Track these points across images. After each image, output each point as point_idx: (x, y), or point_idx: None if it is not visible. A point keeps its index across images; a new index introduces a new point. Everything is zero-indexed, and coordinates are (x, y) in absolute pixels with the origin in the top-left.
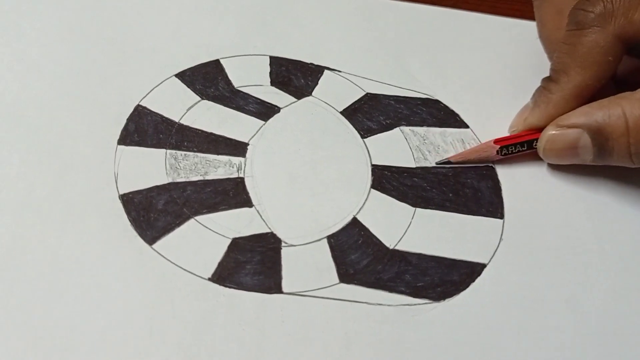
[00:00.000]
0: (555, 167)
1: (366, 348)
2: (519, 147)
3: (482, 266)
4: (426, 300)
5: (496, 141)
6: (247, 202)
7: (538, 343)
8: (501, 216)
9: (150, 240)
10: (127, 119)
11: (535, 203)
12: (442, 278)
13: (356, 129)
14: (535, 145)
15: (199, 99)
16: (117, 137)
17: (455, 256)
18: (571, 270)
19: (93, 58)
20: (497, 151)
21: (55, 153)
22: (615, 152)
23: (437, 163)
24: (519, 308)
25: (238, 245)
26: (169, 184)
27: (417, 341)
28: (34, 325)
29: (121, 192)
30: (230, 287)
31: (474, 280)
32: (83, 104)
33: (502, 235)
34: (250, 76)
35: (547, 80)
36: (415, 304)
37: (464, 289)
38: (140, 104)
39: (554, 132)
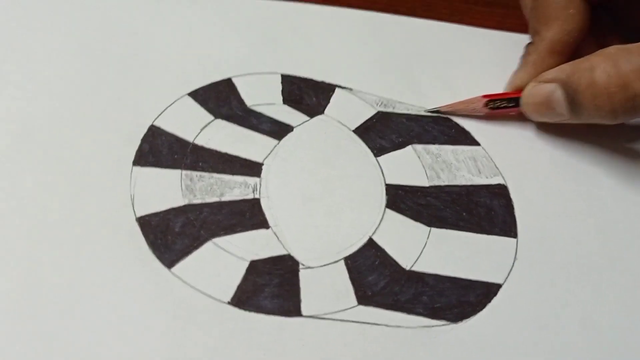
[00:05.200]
0: (567, 183)
1: None
2: (505, 103)
3: (498, 286)
4: (444, 322)
5: (485, 96)
6: (263, 224)
7: None
8: (514, 235)
9: (169, 263)
10: (142, 140)
11: (548, 221)
12: (459, 299)
13: (369, 147)
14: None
15: (213, 118)
16: (132, 158)
17: (471, 276)
18: (584, 288)
19: (104, 78)
20: (485, 104)
21: (69, 175)
22: (585, 105)
23: (426, 111)
24: (535, 328)
25: (256, 268)
26: (185, 205)
27: None
28: (51, 350)
29: (138, 215)
30: (249, 311)
31: (490, 301)
32: (96, 125)
33: (516, 254)
34: (262, 95)
35: (527, 44)
36: (433, 326)
37: (481, 309)
38: (154, 124)
39: (532, 86)
